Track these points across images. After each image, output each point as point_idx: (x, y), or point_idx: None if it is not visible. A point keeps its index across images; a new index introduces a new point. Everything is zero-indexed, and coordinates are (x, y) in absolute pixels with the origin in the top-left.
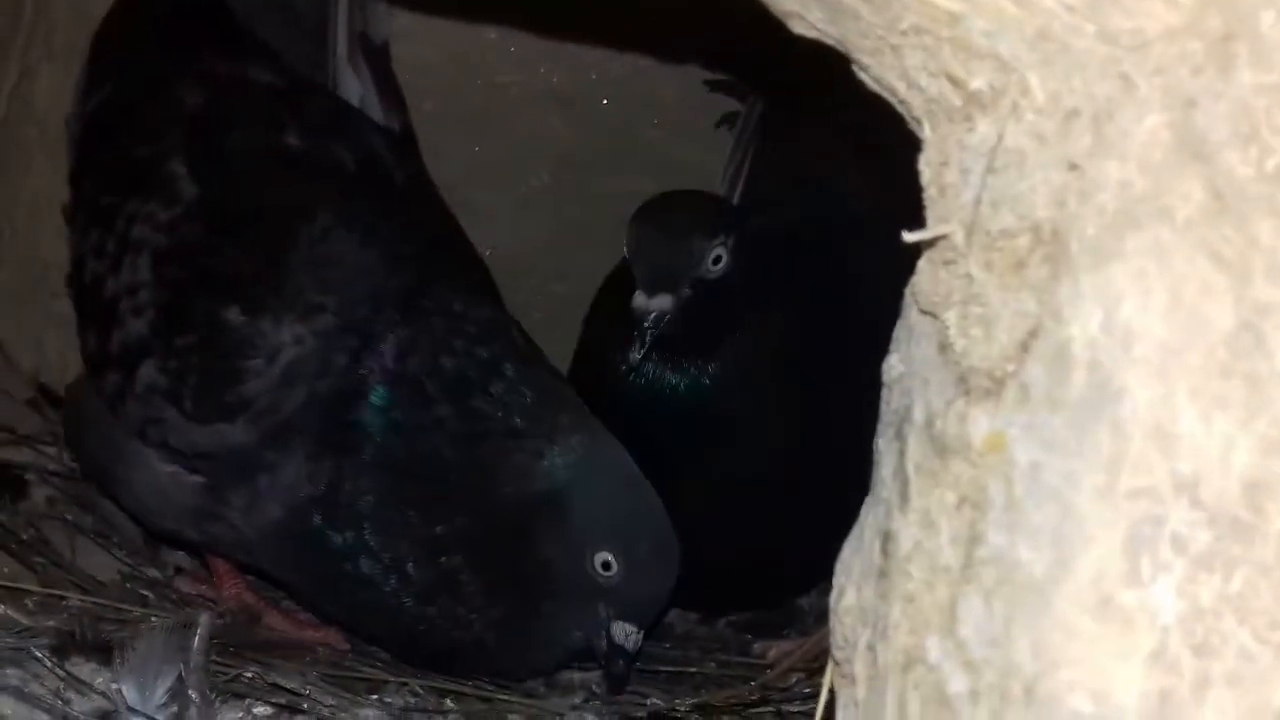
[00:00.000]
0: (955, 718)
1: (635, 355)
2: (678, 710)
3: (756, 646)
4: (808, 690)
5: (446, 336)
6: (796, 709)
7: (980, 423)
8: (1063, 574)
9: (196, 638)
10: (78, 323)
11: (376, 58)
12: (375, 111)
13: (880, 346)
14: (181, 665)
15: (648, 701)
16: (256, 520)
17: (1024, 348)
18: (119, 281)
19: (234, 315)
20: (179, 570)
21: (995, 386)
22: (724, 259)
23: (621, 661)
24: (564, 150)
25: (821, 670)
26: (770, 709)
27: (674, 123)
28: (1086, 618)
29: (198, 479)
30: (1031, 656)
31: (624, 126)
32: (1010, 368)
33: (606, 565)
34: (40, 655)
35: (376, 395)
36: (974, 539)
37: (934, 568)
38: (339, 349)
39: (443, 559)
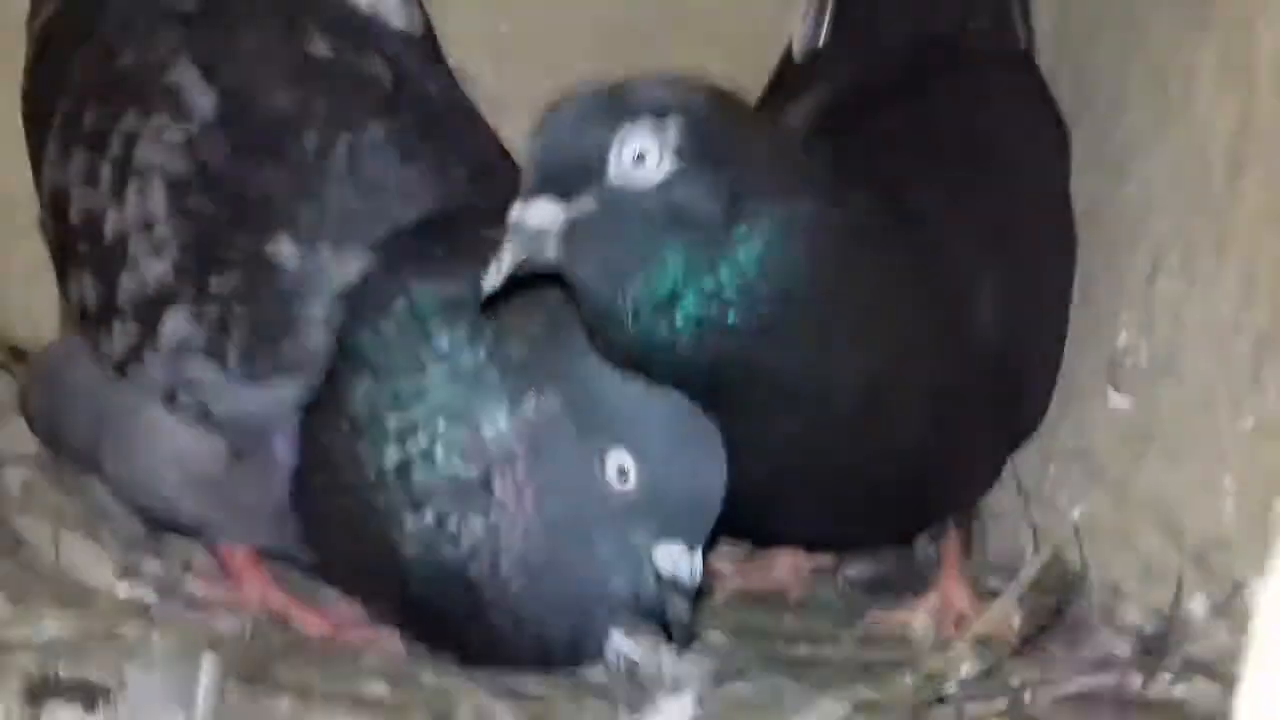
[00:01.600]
0: None
1: (490, 282)
2: None
3: (871, 616)
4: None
5: (453, 252)
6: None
7: None
8: None
9: (204, 676)
10: (61, 270)
11: None
12: (393, 9)
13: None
14: (184, 715)
15: None
16: (275, 491)
17: None
18: (124, 216)
19: (284, 248)
20: (189, 567)
21: None
22: (659, 159)
23: (679, 599)
24: (606, 23)
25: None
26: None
27: None
28: None
29: (220, 443)
30: None
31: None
32: None
33: (622, 471)
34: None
35: (372, 313)
36: None
37: None
38: (391, 277)
39: (439, 501)
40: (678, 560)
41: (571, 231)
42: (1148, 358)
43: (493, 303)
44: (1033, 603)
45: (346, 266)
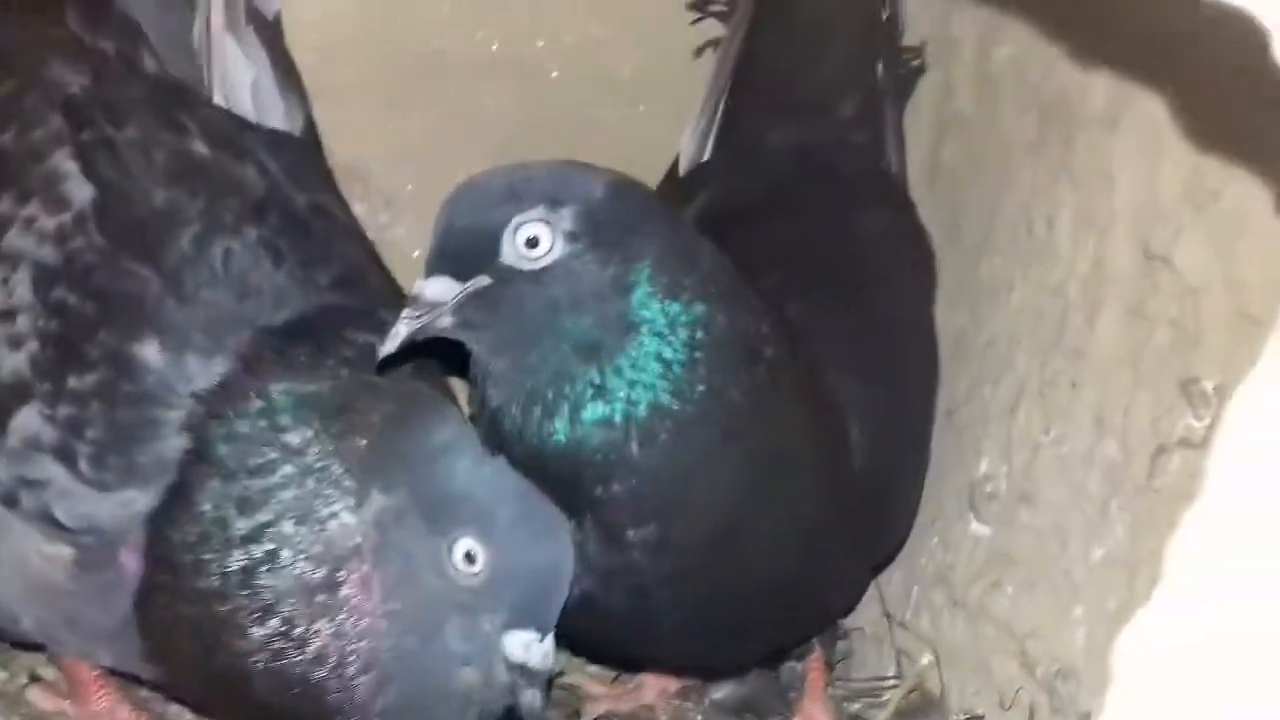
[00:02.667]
0: None
1: (385, 348)
2: None
3: None
4: None
5: (319, 354)
6: None
7: None
8: None
9: None
10: None
11: (269, 33)
12: (273, 101)
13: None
14: None
15: None
16: (119, 604)
17: None
18: None
19: (150, 351)
20: (34, 679)
21: None
22: (550, 244)
23: (530, 687)
24: (507, 131)
25: None
26: None
27: (636, 98)
28: None
29: (67, 551)
30: None
31: (577, 103)
32: None
33: (469, 557)
34: None
35: (227, 413)
36: None
37: None
38: (250, 381)
39: (285, 606)
40: (528, 647)
41: (465, 304)
42: (1007, 487)
43: (385, 369)
44: None
45: (211, 372)
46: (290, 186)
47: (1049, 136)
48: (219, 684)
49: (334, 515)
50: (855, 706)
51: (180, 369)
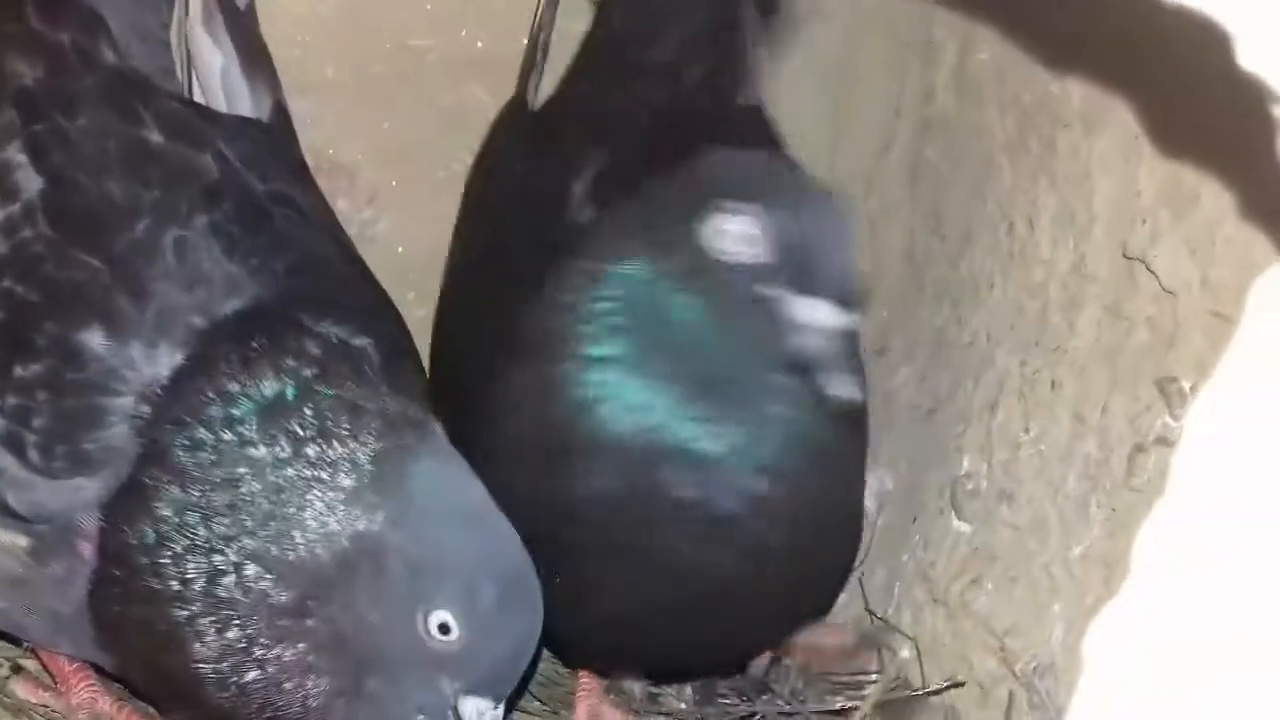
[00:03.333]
0: None
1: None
2: None
3: None
4: None
5: (274, 349)
6: None
7: None
8: None
9: None
10: None
11: (240, 21)
12: (240, 89)
13: None
14: None
15: None
16: (75, 594)
17: None
18: None
19: (95, 339)
20: (17, 669)
21: None
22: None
23: None
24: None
25: None
26: None
27: None
28: None
29: (24, 541)
30: None
31: None
32: None
33: (444, 628)
34: None
35: (184, 415)
36: None
37: None
38: (204, 378)
39: (234, 619)
40: (482, 714)
41: None
42: (987, 484)
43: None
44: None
45: (158, 362)
46: (250, 174)
47: (1030, 138)
48: (166, 682)
49: (309, 545)
50: (837, 700)
51: (124, 356)
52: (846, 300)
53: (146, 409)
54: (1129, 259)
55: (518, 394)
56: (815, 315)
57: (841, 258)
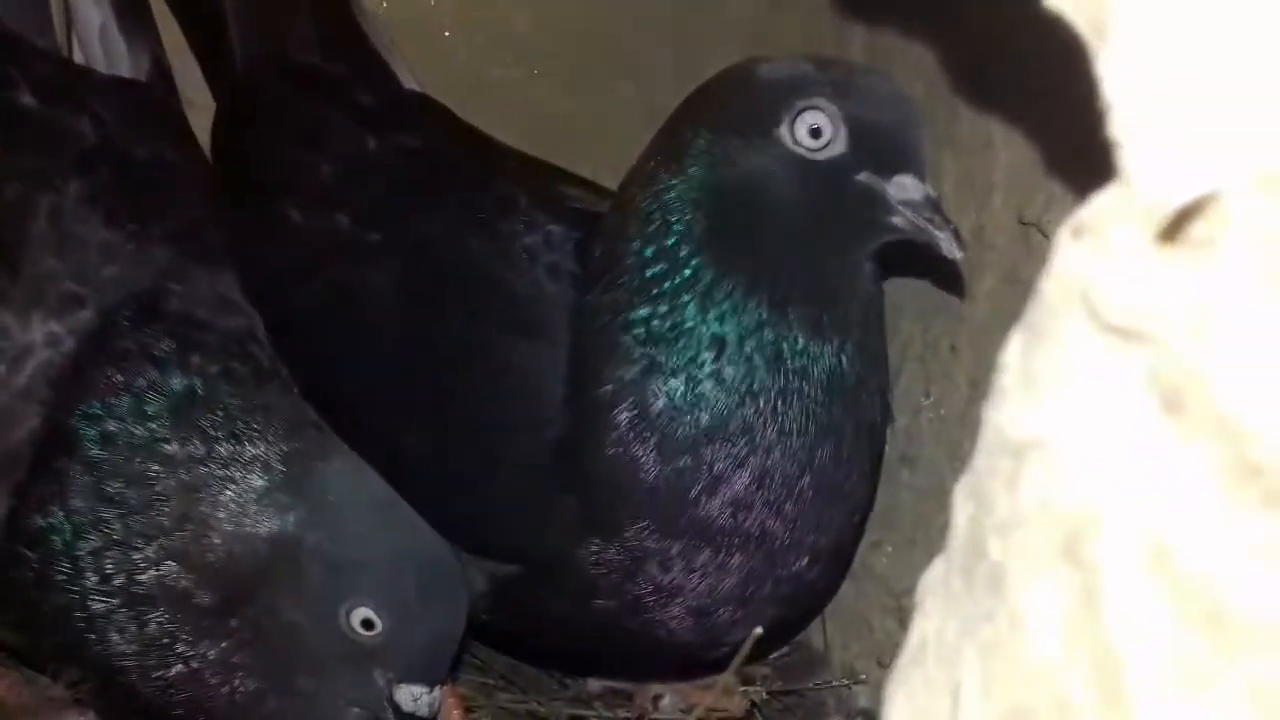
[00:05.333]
0: None
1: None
2: None
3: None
4: None
5: (180, 346)
6: None
7: None
8: None
9: None
10: None
11: None
12: (118, 48)
13: None
14: None
15: None
16: None
17: None
18: None
19: None
20: None
21: None
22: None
23: None
24: None
25: None
26: None
27: (529, 58)
28: None
29: None
30: None
31: (473, 64)
32: None
33: (368, 623)
34: None
35: (94, 407)
36: None
37: None
38: (93, 351)
39: (153, 615)
40: (418, 698)
41: None
42: (889, 448)
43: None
44: (776, 685)
45: (31, 329)
46: (128, 137)
47: (936, 107)
48: (84, 666)
49: (227, 545)
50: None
51: None
52: (924, 172)
53: (44, 391)
54: (1025, 224)
55: None
56: (906, 193)
57: (914, 133)
